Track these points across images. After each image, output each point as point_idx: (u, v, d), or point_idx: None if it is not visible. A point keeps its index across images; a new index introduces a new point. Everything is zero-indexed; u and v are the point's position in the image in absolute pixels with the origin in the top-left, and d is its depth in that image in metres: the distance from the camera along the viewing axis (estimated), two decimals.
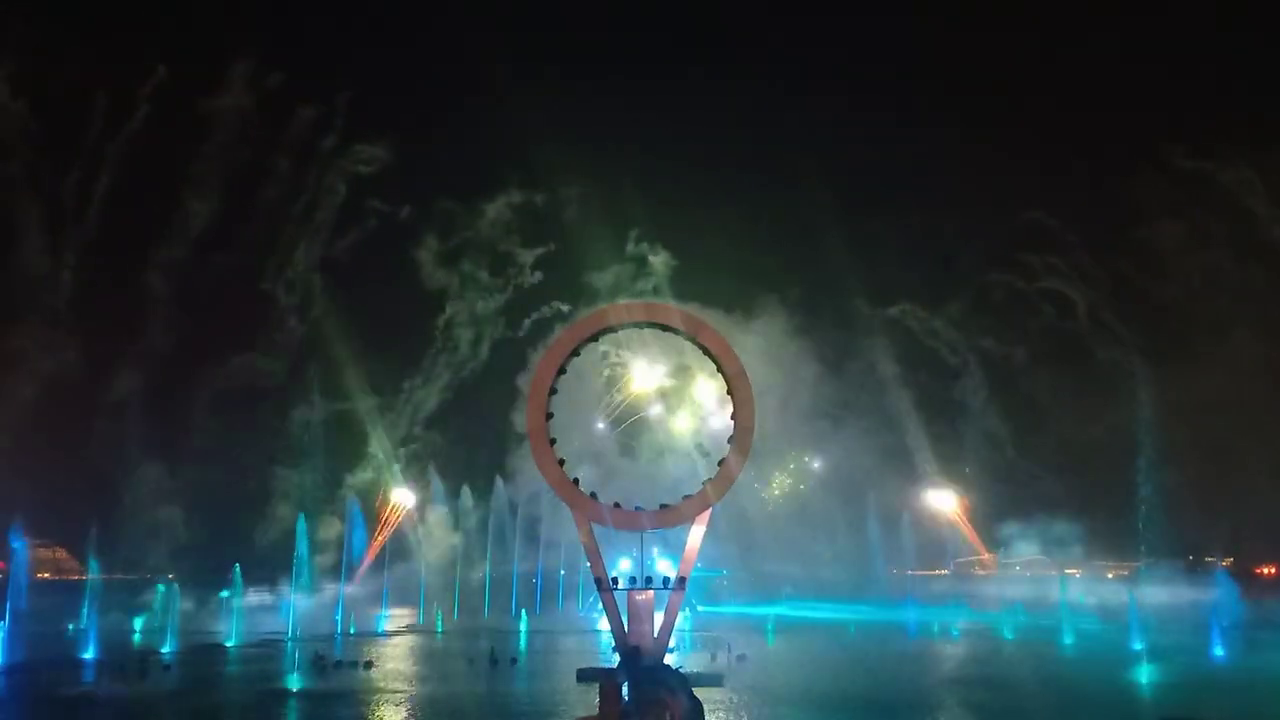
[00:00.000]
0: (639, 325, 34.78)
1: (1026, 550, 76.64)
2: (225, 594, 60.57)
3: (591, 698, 16.96)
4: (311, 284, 77.04)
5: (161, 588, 60.78)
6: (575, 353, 33.04)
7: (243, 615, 55.01)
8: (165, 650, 45.72)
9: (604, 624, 40.43)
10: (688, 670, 25.81)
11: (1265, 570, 73.45)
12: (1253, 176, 69.56)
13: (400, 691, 35.66)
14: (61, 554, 69.35)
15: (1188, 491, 69.69)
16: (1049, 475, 75.50)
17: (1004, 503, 71.12)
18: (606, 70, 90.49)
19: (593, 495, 33.70)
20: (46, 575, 68.22)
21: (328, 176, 77.34)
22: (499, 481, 70.49)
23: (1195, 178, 69.67)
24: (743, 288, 74.57)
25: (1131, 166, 74.30)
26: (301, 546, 62.63)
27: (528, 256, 76.93)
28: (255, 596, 63.59)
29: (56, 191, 71.37)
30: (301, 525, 63.95)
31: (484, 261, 76.16)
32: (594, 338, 33.88)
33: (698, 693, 22.84)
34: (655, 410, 73.41)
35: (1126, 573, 72.37)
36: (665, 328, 34.45)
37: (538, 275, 77.77)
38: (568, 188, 78.39)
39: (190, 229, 73.28)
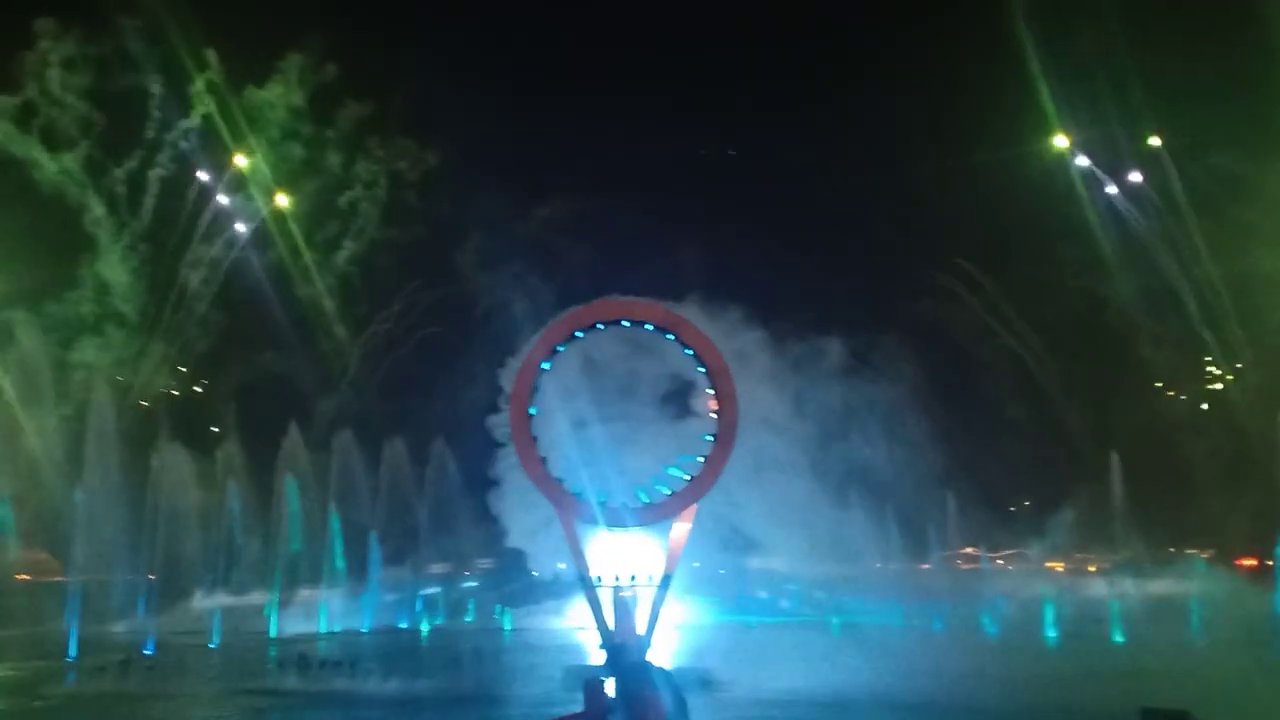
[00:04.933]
0: (619, 322, 34.88)
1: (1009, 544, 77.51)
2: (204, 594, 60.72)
3: (577, 695, 16.99)
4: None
5: (143, 588, 60.61)
6: (555, 351, 33.25)
7: (224, 616, 54.84)
8: (147, 651, 45.54)
9: (582, 620, 40.56)
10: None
11: (1247, 561, 73.89)
12: None
13: (385, 690, 35.66)
14: (42, 555, 68.84)
15: (1171, 484, 70.31)
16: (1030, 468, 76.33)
17: (986, 495, 71.25)
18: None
19: (578, 494, 33.85)
20: (26, 576, 67.80)
21: (371, 173, 79.39)
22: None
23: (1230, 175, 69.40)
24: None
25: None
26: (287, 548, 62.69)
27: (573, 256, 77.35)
28: (237, 597, 63.44)
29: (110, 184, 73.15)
30: (296, 528, 64.02)
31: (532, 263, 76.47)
32: (574, 336, 34.07)
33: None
34: None
35: (1108, 565, 72.77)
36: (646, 325, 34.63)
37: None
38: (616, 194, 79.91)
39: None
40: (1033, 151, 77.06)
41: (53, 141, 71.32)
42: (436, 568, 72.47)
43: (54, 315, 71.07)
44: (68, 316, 71.96)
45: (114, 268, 73.99)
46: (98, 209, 73.29)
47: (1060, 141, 76.23)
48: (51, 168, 71.23)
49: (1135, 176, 75.01)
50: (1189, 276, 73.49)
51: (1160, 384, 76.72)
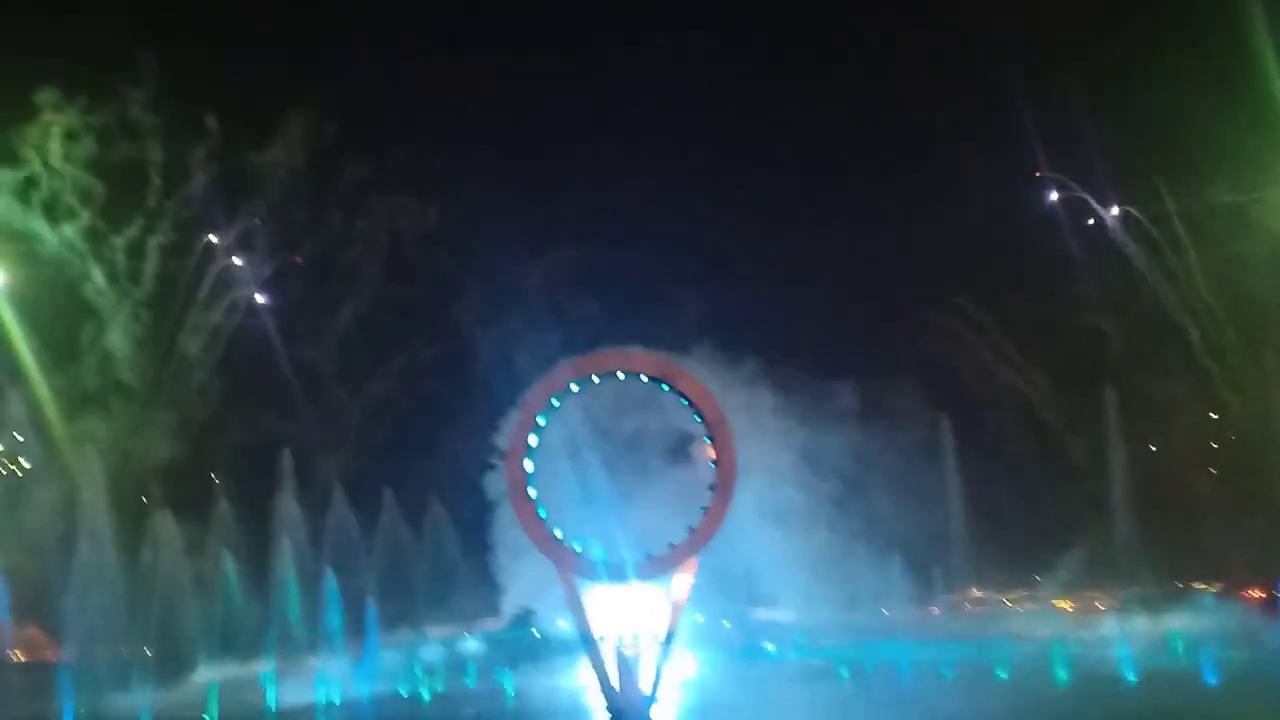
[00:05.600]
0: (612, 374, 34.70)
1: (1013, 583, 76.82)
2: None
3: None
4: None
5: (136, 665, 59.53)
6: (551, 405, 32.96)
7: (223, 688, 53.75)
8: None
9: (585, 680, 39.78)
10: None
11: (1255, 594, 73.17)
12: None
13: None
14: (34, 631, 67.81)
15: (1178, 517, 69.76)
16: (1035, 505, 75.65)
17: (987, 535, 70.63)
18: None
19: (577, 550, 33.40)
20: (20, 654, 66.66)
21: (371, 231, 79.29)
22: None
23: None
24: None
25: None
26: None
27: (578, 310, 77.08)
28: (239, 667, 62.38)
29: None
30: (293, 594, 63.19)
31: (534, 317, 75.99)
32: (570, 389, 33.81)
33: None
34: None
35: (1117, 603, 71.96)
36: (640, 375, 34.42)
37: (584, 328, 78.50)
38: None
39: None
40: (1031, 187, 77.75)
41: (54, 213, 71.57)
42: (437, 630, 71.43)
43: (58, 388, 71.08)
44: (71, 388, 71.88)
45: (116, 337, 74.01)
46: (99, 279, 73.51)
47: (1057, 176, 76.85)
48: (53, 240, 71.49)
49: (1135, 209, 75.35)
50: (1191, 308, 73.60)
51: (1165, 416, 76.15)
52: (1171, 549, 68.82)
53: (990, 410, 79.43)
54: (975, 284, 77.93)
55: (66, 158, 70.71)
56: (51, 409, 69.68)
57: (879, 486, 66.31)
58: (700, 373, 40.74)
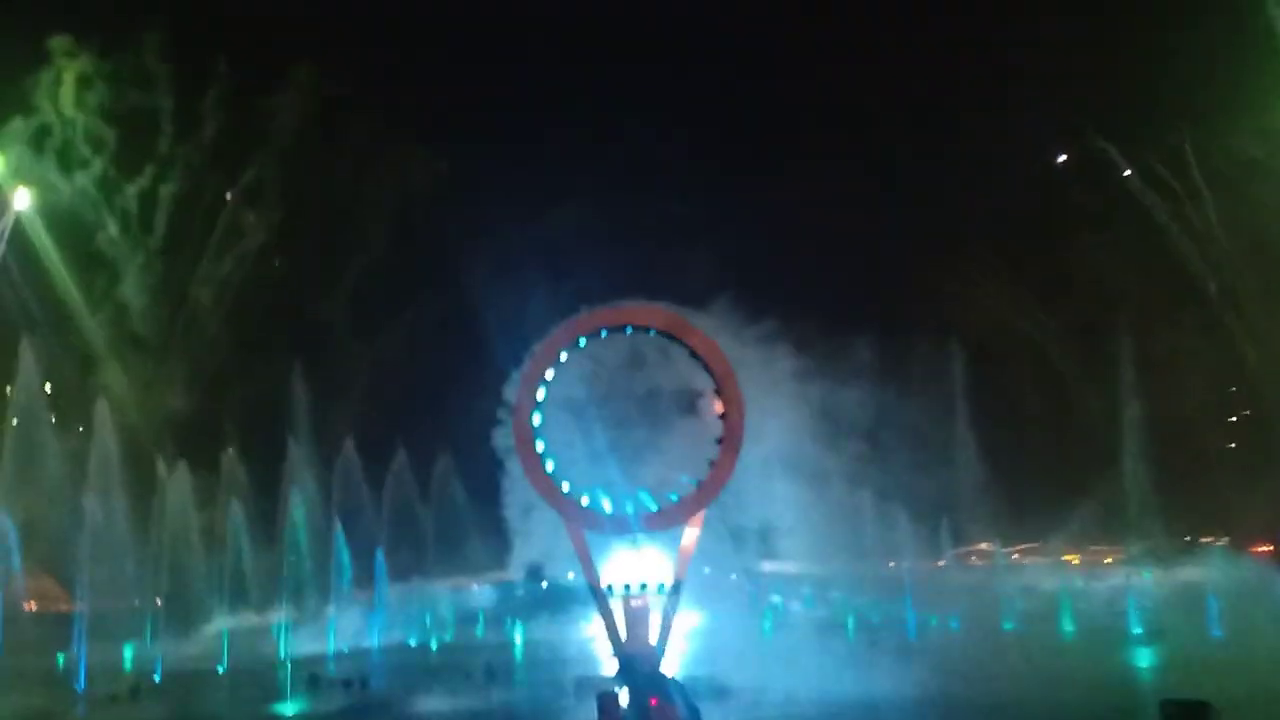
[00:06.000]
0: (621, 329, 34.57)
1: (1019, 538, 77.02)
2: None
3: (590, 707, 16.67)
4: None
5: (150, 615, 60.23)
6: (558, 360, 32.91)
7: (234, 638, 54.39)
8: (156, 677, 45.16)
9: (594, 631, 40.16)
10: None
11: (1262, 548, 73.25)
12: None
13: (397, 707, 35.34)
14: (48, 583, 68.43)
15: (1186, 472, 69.68)
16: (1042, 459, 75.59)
17: (995, 488, 70.63)
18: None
19: (585, 504, 33.52)
20: (33, 605, 67.27)
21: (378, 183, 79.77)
22: None
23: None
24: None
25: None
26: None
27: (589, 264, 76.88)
28: (255, 617, 63.03)
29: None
30: (304, 546, 63.64)
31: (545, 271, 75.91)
32: (577, 344, 33.73)
33: None
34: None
35: (1124, 556, 72.12)
36: (649, 330, 34.33)
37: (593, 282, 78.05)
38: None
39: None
40: (1050, 141, 77.16)
41: (67, 162, 71.53)
42: (447, 582, 72.11)
43: (75, 339, 71.61)
44: (87, 340, 72.36)
45: (130, 288, 74.33)
46: (112, 229, 73.65)
47: (1077, 127, 76.02)
48: (66, 189, 71.50)
49: (1152, 161, 74.46)
50: (1209, 260, 73.11)
51: (1178, 369, 75.88)
52: (1181, 503, 68.78)
53: (1004, 364, 79.29)
54: (991, 239, 77.61)
55: (76, 105, 70.72)
56: (66, 360, 70.34)
57: (890, 441, 66.19)
58: (714, 328, 40.61)
